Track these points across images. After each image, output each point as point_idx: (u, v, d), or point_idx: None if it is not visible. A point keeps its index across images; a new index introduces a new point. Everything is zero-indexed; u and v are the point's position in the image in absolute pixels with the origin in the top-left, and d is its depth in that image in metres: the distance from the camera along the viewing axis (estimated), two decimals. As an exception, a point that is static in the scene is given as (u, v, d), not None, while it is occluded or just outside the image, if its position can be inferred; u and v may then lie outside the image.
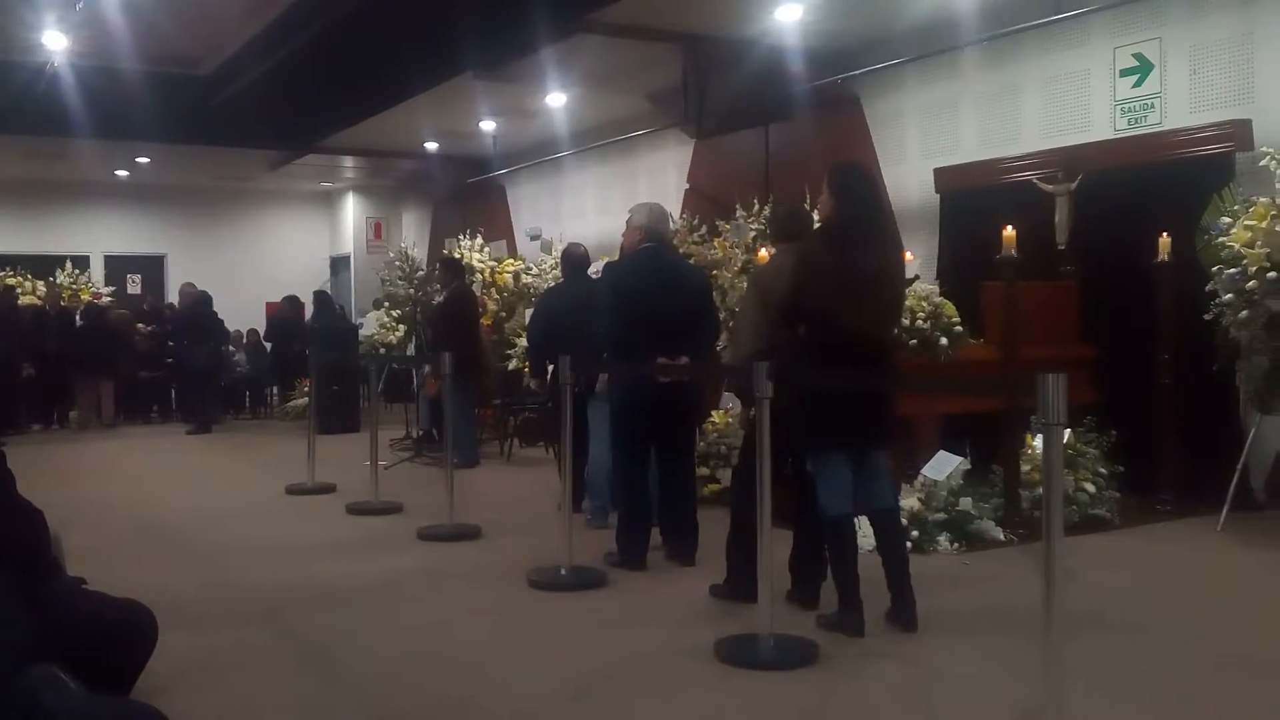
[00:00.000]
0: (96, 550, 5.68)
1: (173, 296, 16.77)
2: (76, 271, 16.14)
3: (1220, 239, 6.27)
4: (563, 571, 5.40)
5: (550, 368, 7.38)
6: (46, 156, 15.31)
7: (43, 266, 15.81)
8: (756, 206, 9.61)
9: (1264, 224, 6.10)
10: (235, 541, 6.63)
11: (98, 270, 17.77)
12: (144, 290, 18.45)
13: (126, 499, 8.31)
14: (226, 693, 3.98)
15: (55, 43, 10.62)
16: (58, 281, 15.34)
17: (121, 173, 17.33)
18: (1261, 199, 6.21)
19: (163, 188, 18.34)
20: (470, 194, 16.40)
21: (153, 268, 18.93)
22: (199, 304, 13.70)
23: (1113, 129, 7.98)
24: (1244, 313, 6.17)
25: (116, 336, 13.97)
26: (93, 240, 18.21)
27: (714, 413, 7.69)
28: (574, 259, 7.57)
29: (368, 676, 4.14)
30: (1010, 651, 4.14)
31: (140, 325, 14.62)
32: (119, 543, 6.52)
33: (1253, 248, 6.10)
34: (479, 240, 13.68)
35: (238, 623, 4.87)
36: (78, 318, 13.94)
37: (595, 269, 7.71)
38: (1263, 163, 6.32)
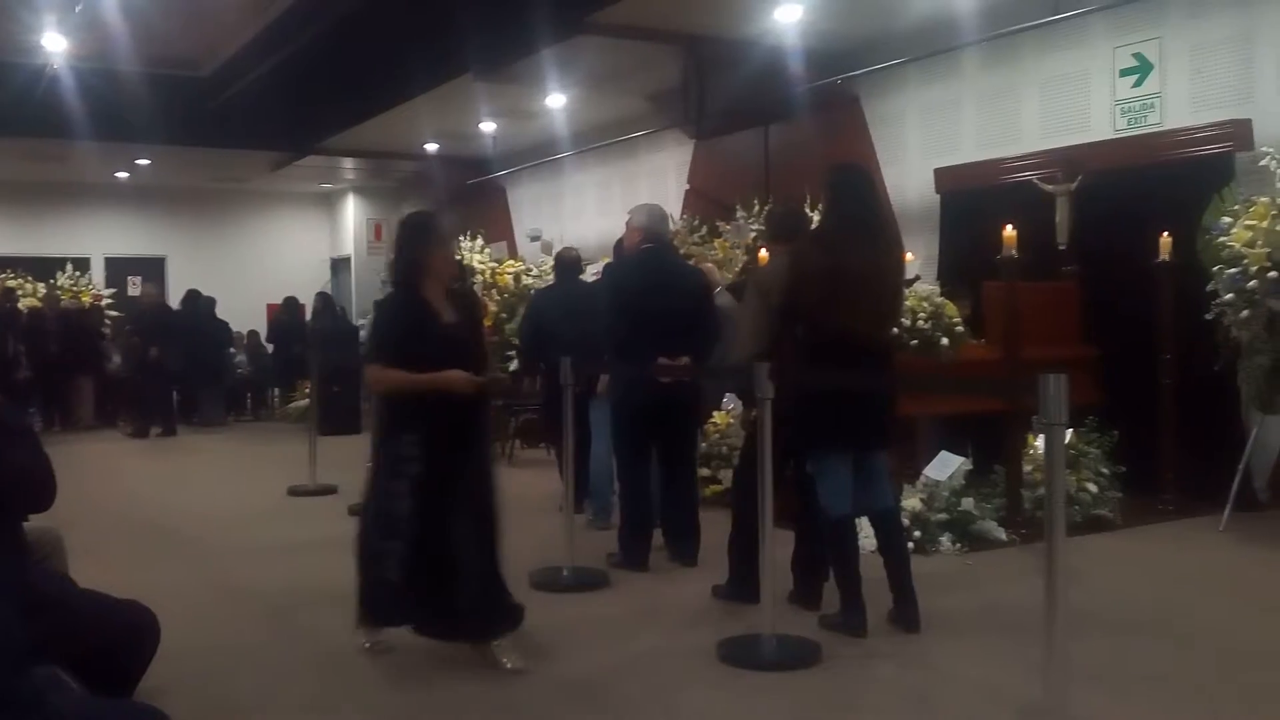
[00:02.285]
0: (99, 550, 5.67)
1: (174, 299, 16.78)
2: (77, 274, 16.15)
3: (1221, 239, 6.27)
4: (565, 572, 5.40)
5: (541, 367, 7.43)
6: (46, 158, 15.31)
7: (43, 269, 15.81)
8: (757, 207, 9.61)
9: (1264, 224, 6.10)
10: (237, 542, 6.63)
11: (98, 272, 17.77)
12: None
13: (128, 499, 8.32)
14: (230, 693, 3.99)
15: (55, 45, 10.64)
16: (58, 284, 15.34)
17: (122, 174, 17.34)
18: (1262, 199, 6.21)
19: (163, 189, 18.34)
20: (471, 195, 16.39)
21: (153, 269, 18.90)
22: (160, 306, 13.62)
23: (1113, 129, 7.98)
24: (1245, 312, 6.17)
25: (92, 336, 13.92)
26: (93, 242, 18.21)
27: (715, 413, 7.69)
28: (564, 262, 7.65)
29: (370, 676, 4.14)
30: (1013, 651, 4.14)
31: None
32: (121, 543, 6.53)
33: (1253, 247, 6.10)
34: (479, 241, 13.68)
35: (241, 623, 4.88)
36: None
37: (596, 270, 7.74)
38: (1263, 162, 6.32)
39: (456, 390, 4.02)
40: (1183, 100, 7.57)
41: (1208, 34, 7.46)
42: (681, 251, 8.79)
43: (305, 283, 18.75)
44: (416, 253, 4.21)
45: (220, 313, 14.58)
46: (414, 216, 4.41)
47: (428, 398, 4.02)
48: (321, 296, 15.08)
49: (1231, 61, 7.32)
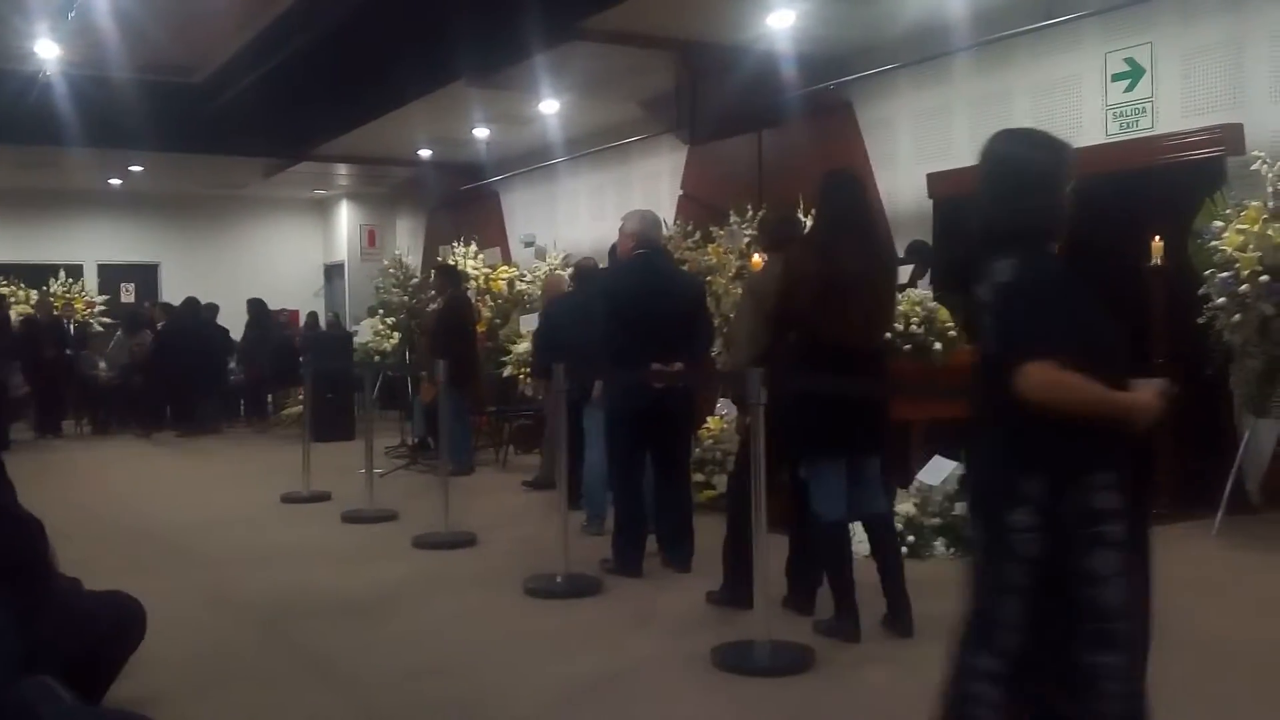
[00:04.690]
0: (91, 559, 5.64)
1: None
2: (70, 281, 16.12)
3: (1212, 243, 6.28)
4: (558, 579, 5.39)
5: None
6: (39, 165, 15.28)
7: (36, 276, 15.80)
8: (750, 212, 9.62)
9: (1256, 228, 6.12)
10: (230, 550, 6.62)
11: (91, 279, 17.75)
12: (137, 299, 18.46)
13: (121, 508, 8.30)
14: (221, 701, 3.98)
15: (48, 51, 10.62)
16: (51, 291, 15.32)
17: (115, 181, 17.31)
18: (1253, 203, 6.23)
19: (156, 196, 18.32)
20: (464, 201, 16.40)
21: (146, 276, 18.90)
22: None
23: (1104, 133, 8.00)
24: (1237, 316, 6.18)
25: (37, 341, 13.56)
26: (86, 249, 18.19)
27: (709, 419, 7.69)
28: (583, 271, 7.70)
29: (363, 684, 4.13)
30: (1006, 656, 4.14)
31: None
32: (114, 552, 6.50)
33: (1245, 251, 6.11)
34: (473, 247, 13.70)
35: (233, 631, 4.87)
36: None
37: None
38: (1254, 166, 6.33)
39: (1143, 422, 2.67)
40: (1174, 105, 7.59)
41: (1199, 38, 7.47)
42: (675, 257, 8.80)
43: (299, 289, 18.76)
44: (1048, 196, 2.74)
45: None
46: (1036, 141, 2.80)
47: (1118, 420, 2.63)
48: (255, 303, 14.89)
49: (1222, 66, 7.34)
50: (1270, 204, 6.18)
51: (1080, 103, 8.19)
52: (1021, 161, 2.75)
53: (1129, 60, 7.84)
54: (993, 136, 2.81)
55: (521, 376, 11.11)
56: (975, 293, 2.68)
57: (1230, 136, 7.04)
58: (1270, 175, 6.21)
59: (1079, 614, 2.59)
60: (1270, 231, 6.10)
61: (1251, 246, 6.10)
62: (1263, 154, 6.30)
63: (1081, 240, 2.98)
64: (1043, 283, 2.65)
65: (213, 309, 14.67)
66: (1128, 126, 7.85)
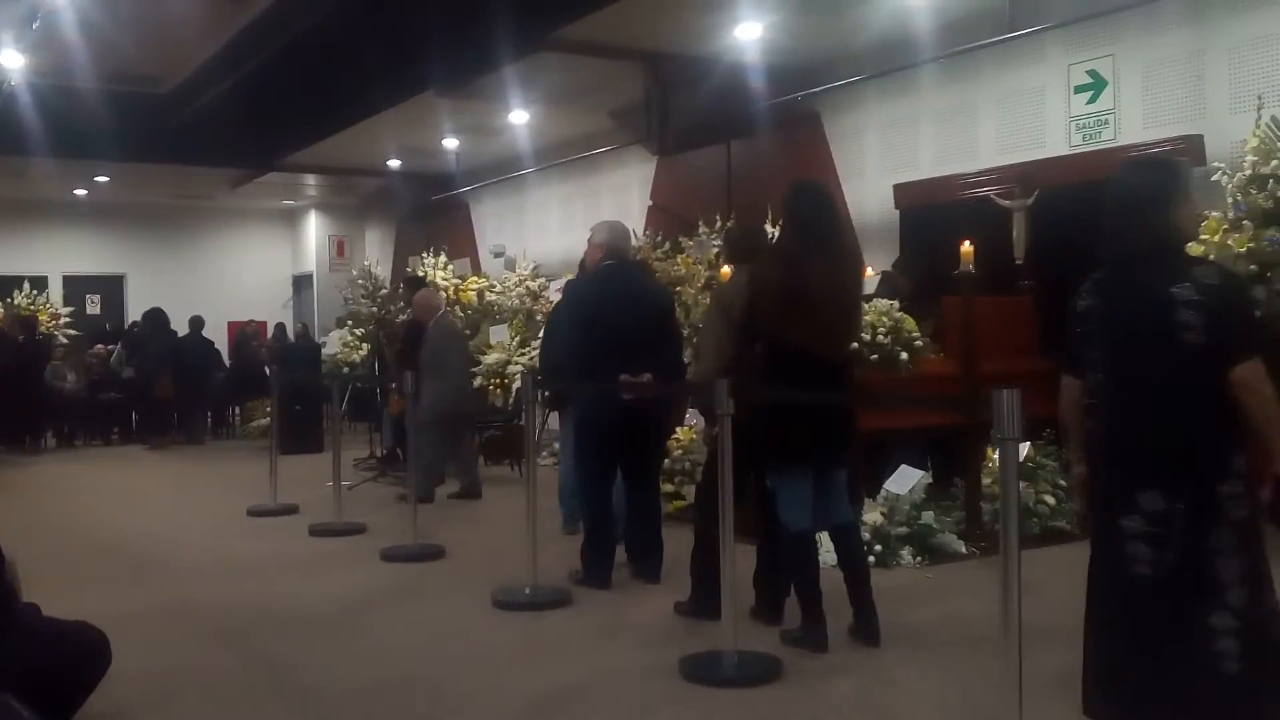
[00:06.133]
0: (54, 572, 5.59)
1: (133, 317, 16.60)
2: (35, 292, 15.94)
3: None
4: (527, 590, 5.38)
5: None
6: (4, 175, 15.15)
7: (0, 287, 15.62)
8: (719, 223, 9.66)
9: (1216, 238, 6.20)
10: (196, 563, 6.56)
11: (56, 291, 17.57)
12: (103, 311, 18.30)
13: (86, 521, 8.21)
14: (185, 716, 3.94)
15: (12, 61, 10.52)
16: (15, 303, 15.14)
17: (80, 192, 17.18)
18: (1214, 213, 6.31)
19: (122, 207, 18.19)
20: (434, 212, 16.37)
21: (112, 288, 18.75)
22: None
23: (1068, 145, 8.09)
24: (1199, 325, 6.24)
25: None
26: (51, 260, 18.02)
27: (679, 429, 7.70)
28: None
29: (329, 698, 4.11)
30: (973, 664, 4.17)
31: (100, 346, 14.46)
32: (77, 565, 6.44)
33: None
34: (443, 258, 13.67)
35: (198, 645, 4.82)
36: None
37: (558, 286, 7.73)
38: (1214, 178, 6.42)
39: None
40: (1136, 116, 7.69)
41: (1160, 51, 7.58)
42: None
43: (267, 300, 18.65)
44: (1175, 209, 3.36)
45: (179, 330, 14.43)
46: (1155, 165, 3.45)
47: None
48: (153, 313, 14.57)
49: (1184, 78, 7.44)
50: (1230, 215, 6.26)
51: (1044, 114, 8.29)
52: (1163, 188, 3.37)
53: (1091, 72, 7.94)
54: (1135, 165, 3.51)
55: (492, 387, 11.09)
56: (1161, 291, 3.20)
57: (1191, 148, 7.14)
58: (1230, 186, 6.30)
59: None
60: (1231, 241, 6.18)
61: (1212, 256, 6.17)
62: (1223, 165, 6.39)
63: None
64: (1245, 290, 3.25)
65: (198, 322, 14.51)
66: (1090, 138, 7.95)
